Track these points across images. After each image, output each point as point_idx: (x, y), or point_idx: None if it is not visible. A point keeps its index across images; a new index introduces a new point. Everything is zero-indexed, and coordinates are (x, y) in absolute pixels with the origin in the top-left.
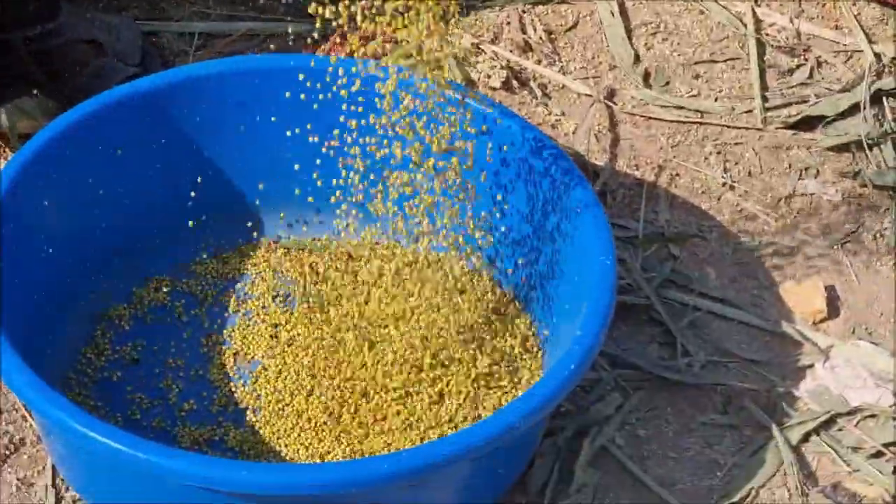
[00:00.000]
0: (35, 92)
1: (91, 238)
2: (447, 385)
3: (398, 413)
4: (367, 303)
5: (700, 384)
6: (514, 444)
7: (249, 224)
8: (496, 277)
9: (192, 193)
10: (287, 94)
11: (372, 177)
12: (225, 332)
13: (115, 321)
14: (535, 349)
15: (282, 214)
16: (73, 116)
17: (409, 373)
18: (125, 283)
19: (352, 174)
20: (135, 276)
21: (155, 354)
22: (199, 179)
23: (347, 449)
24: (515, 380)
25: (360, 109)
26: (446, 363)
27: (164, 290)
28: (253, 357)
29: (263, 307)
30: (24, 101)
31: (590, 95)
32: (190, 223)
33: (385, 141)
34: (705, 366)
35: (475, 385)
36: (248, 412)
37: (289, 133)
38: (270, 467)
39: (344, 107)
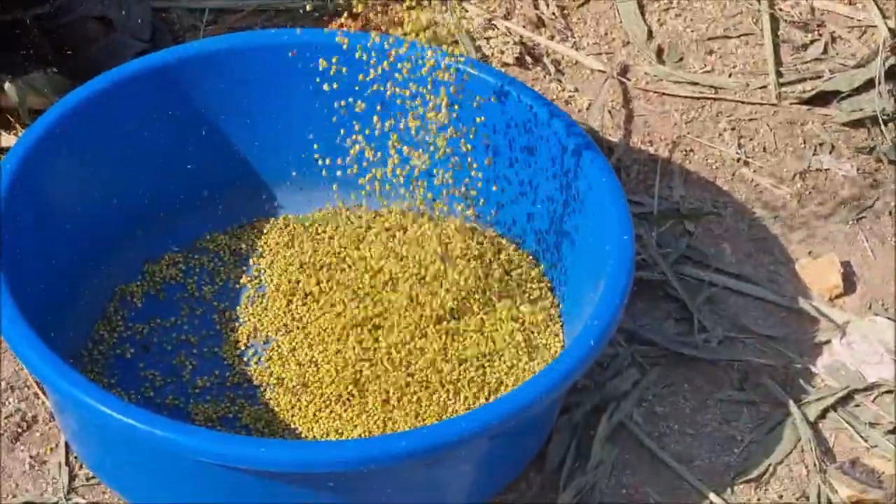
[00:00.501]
0: (46, 69)
1: (103, 214)
2: (459, 350)
3: (413, 391)
4: (375, 272)
5: (717, 360)
6: (532, 420)
7: (263, 197)
8: (512, 249)
9: (204, 168)
10: (299, 67)
11: (380, 155)
12: (238, 308)
13: (127, 298)
14: (554, 321)
15: (299, 188)
16: (84, 92)
17: (419, 338)
18: (137, 259)
19: (363, 146)
20: (147, 252)
21: (168, 331)
22: (211, 155)
23: (362, 426)
24: (531, 350)
25: (375, 85)
26: (460, 323)
27: (178, 266)
28: (267, 334)
29: (276, 284)
30: (35, 78)
31: (603, 71)
32: (203, 196)
33: (399, 113)
34: (722, 341)
35: (488, 354)
36: (261, 389)
37: (301, 107)
38: (288, 444)
39: (361, 78)
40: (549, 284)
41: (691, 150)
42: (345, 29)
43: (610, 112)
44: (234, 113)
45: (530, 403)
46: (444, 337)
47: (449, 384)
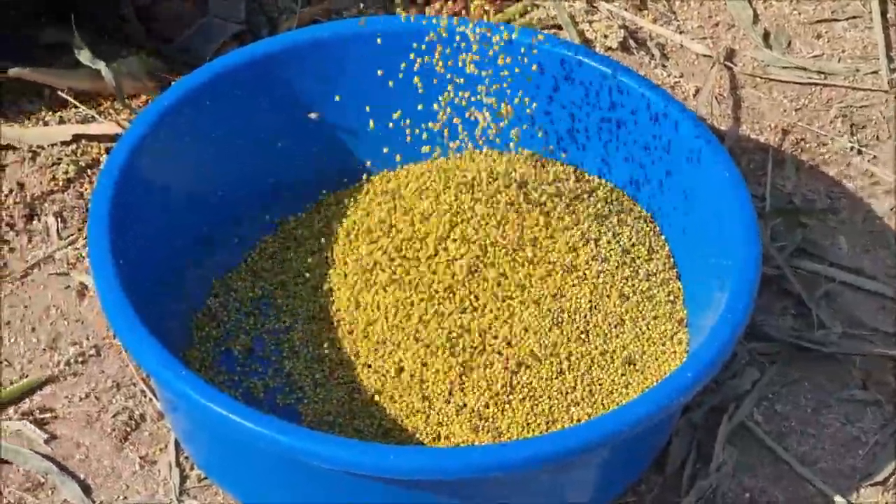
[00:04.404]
0: (141, 54)
1: (207, 203)
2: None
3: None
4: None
5: (837, 356)
6: (660, 422)
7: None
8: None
9: (314, 156)
10: (411, 56)
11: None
12: (337, 295)
13: (231, 291)
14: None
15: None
16: (190, 82)
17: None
18: (238, 250)
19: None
20: (245, 242)
21: (271, 323)
22: (312, 142)
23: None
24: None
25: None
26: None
27: (274, 256)
28: (366, 324)
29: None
30: (129, 62)
31: (709, 56)
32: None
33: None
34: (842, 337)
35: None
36: (370, 388)
37: (398, 91)
38: (419, 452)
39: (472, 68)
40: (676, 275)
41: (802, 139)
42: (441, 14)
43: (717, 99)
44: (334, 99)
45: (668, 404)
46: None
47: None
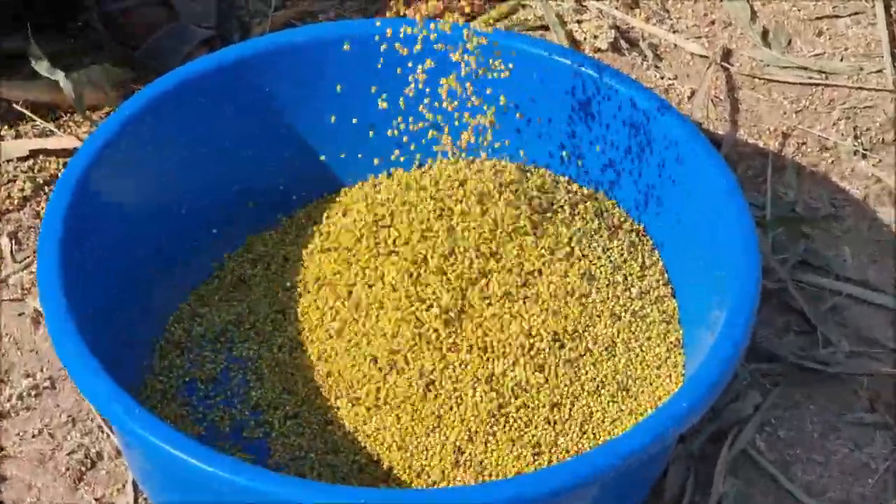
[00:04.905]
0: (103, 60)
1: (170, 221)
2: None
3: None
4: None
5: (844, 376)
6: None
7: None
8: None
9: (281, 167)
10: (389, 61)
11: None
12: (305, 314)
13: (196, 312)
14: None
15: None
16: (152, 92)
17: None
18: (206, 266)
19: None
20: (214, 255)
21: (237, 351)
22: (286, 152)
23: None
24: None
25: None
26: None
27: (245, 269)
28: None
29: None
30: (92, 71)
31: (704, 56)
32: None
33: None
34: (849, 356)
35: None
36: (340, 419)
37: (372, 96)
38: (392, 495)
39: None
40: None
41: (803, 143)
42: (417, 16)
43: (713, 101)
44: (308, 106)
45: (663, 436)
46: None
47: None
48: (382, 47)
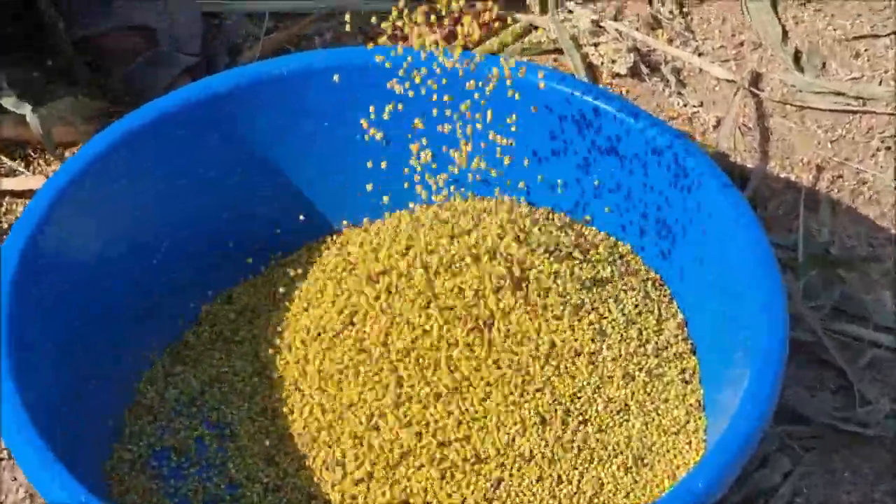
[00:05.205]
0: (75, 92)
1: (142, 273)
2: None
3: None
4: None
5: (885, 440)
6: None
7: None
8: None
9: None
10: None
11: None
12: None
13: (169, 374)
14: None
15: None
16: (124, 126)
17: None
18: (181, 321)
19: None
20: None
21: (212, 418)
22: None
23: None
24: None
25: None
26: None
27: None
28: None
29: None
30: (62, 105)
31: (732, 81)
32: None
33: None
34: (890, 416)
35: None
36: (331, 499)
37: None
38: None
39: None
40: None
41: (839, 176)
42: (421, 42)
43: (741, 130)
44: (292, 142)
45: None
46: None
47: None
48: (383, 79)
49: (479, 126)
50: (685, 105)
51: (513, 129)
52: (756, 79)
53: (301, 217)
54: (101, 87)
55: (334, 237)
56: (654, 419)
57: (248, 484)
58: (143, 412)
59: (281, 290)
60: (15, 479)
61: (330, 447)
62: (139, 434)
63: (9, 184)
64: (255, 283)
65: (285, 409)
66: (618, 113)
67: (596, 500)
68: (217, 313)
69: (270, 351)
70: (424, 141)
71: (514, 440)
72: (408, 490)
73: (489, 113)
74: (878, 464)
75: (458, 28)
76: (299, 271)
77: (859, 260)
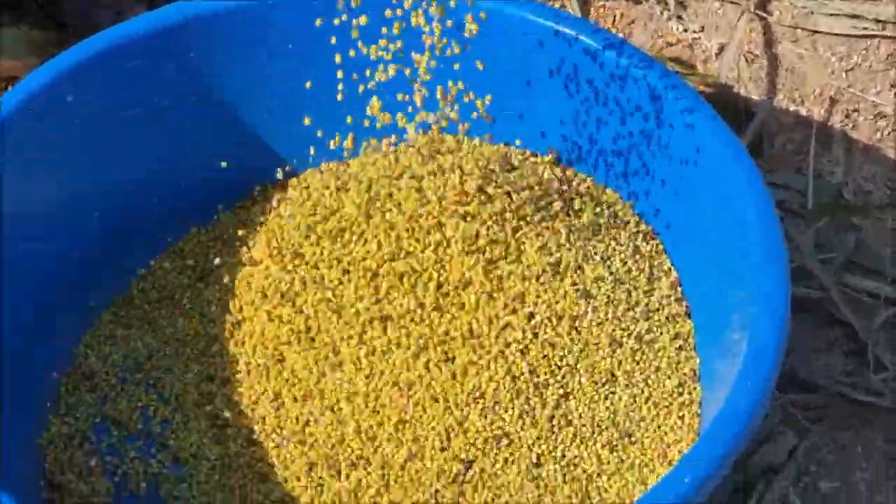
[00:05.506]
0: (21, 23)
1: (85, 218)
2: None
3: None
4: None
5: None
6: None
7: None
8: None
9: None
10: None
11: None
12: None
13: (111, 336)
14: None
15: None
16: (71, 58)
17: None
18: (127, 277)
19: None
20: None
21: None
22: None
23: None
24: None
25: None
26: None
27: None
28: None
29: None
30: (7, 35)
31: (736, 3)
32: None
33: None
34: None
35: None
36: (280, 472)
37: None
38: None
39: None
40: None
41: (854, 110)
42: None
43: (746, 58)
44: (251, 79)
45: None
46: None
47: None
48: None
49: (448, 57)
50: (685, 30)
51: (479, 64)
52: (763, 1)
53: (256, 158)
54: (50, 18)
55: (294, 180)
56: (643, 391)
57: (192, 459)
58: (81, 380)
59: (234, 242)
60: None
61: (282, 424)
62: (76, 404)
63: None
64: (207, 233)
65: (235, 377)
66: (593, 43)
67: (576, 484)
68: (164, 267)
69: (219, 310)
70: (391, 70)
71: (486, 416)
72: (368, 472)
73: (454, 44)
74: (893, 436)
75: None
76: (254, 219)
77: (876, 206)
